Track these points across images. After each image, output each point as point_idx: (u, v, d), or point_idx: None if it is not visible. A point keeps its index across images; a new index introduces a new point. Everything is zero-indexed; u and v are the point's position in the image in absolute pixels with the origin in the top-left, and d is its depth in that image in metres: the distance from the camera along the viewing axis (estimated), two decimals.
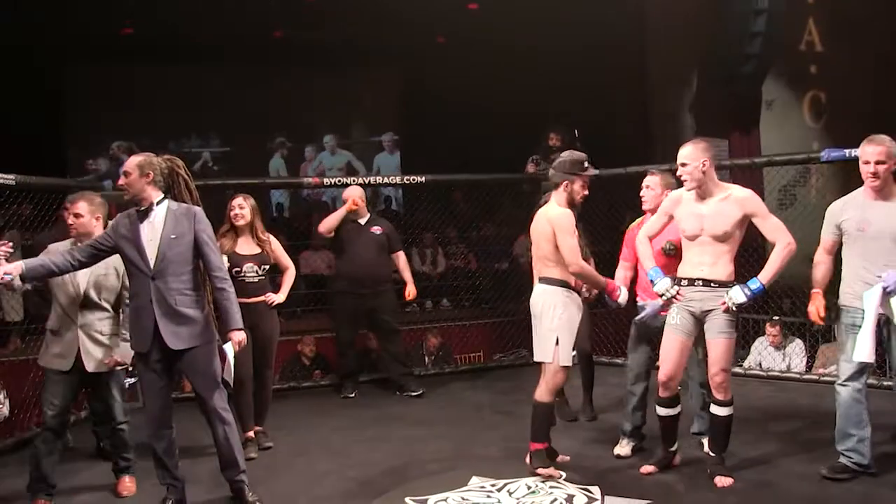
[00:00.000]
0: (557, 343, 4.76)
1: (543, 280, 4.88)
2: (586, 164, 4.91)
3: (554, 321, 4.78)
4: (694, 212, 4.66)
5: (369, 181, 9.38)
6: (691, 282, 4.65)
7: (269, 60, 12.60)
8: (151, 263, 4.34)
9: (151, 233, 4.37)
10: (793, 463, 4.97)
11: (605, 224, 7.41)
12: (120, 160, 11.49)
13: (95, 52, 11.76)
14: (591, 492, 4.56)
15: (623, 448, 5.28)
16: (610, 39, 11.30)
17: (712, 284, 4.59)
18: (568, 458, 5.11)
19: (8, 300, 7.79)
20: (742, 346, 7.68)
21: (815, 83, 11.73)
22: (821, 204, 5.59)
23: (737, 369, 7.05)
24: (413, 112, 13.71)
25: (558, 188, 4.91)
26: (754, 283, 4.52)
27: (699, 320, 4.66)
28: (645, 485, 4.67)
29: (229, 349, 4.54)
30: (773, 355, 7.64)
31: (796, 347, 7.65)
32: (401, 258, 7.34)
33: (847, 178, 5.71)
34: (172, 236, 4.38)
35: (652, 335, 5.20)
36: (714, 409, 4.73)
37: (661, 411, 4.85)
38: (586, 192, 4.95)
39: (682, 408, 4.94)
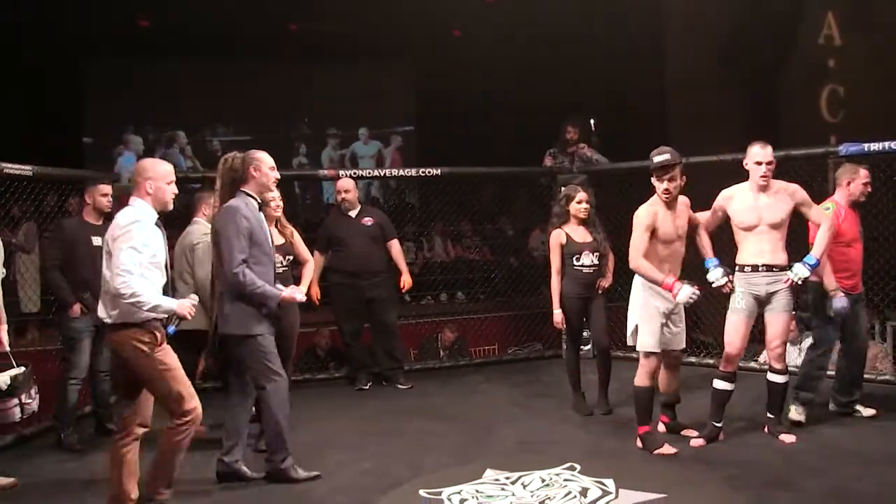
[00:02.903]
0: (636, 330, 5.17)
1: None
2: (653, 159, 5.12)
3: (633, 309, 5.22)
4: (752, 205, 5.13)
5: (385, 174, 9.40)
6: (755, 268, 5.12)
7: (281, 53, 12.63)
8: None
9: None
10: (814, 459, 4.95)
11: (623, 218, 7.36)
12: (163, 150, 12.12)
13: (110, 43, 11.82)
14: (605, 485, 4.55)
15: (867, 411, 5.72)
16: (628, 32, 11.24)
17: (774, 269, 5.09)
18: (695, 433, 5.35)
19: (25, 291, 7.85)
20: (758, 340, 7.64)
21: (834, 77, 11.63)
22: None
23: (752, 364, 7.04)
24: (429, 105, 13.70)
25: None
26: (811, 259, 5.06)
27: (762, 302, 5.14)
28: (660, 478, 4.65)
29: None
30: (789, 350, 7.57)
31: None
32: (394, 247, 7.33)
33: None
34: None
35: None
36: (773, 377, 5.24)
37: (722, 385, 5.25)
38: (663, 185, 5.08)
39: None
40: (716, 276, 5.11)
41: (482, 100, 12.29)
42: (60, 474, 5.16)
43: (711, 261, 5.19)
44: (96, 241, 5.71)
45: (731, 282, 5.12)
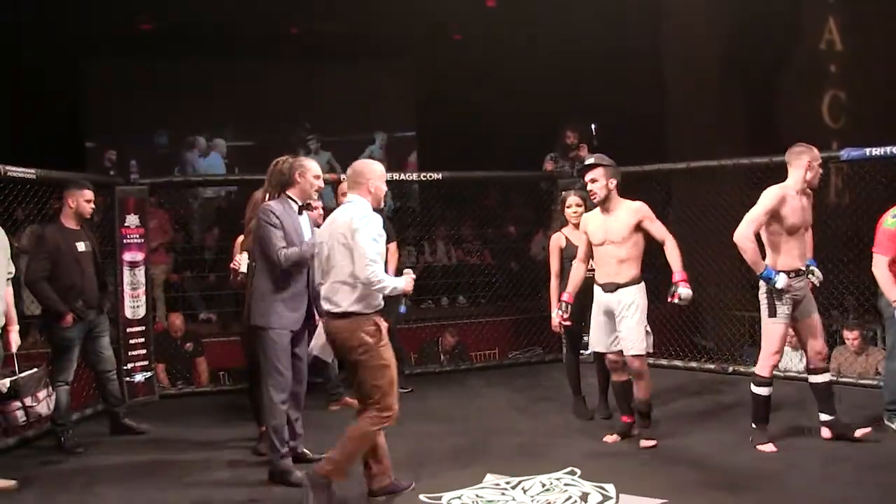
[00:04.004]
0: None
1: None
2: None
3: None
4: (800, 206, 5.09)
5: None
6: (797, 273, 5.10)
7: (281, 54, 12.66)
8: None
9: (306, 228, 4.88)
10: (815, 466, 4.95)
11: None
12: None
13: (110, 43, 11.84)
14: (605, 489, 4.55)
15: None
16: (628, 37, 11.26)
17: (803, 271, 5.14)
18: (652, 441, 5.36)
19: (28, 294, 7.86)
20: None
21: (835, 82, 11.64)
22: (840, 204, 5.59)
23: (754, 369, 7.01)
24: (429, 109, 13.71)
25: None
26: (813, 262, 5.28)
27: (795, 306, 5.12)
28: (660, 483, 4.65)
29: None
30: (791, 356, 7.57)
31: None
32: (390, 249, 7.30)
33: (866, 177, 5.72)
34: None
35: None
36: (820, 378, 5.24)
37: (767, 391, 5.22)
38: (588, 187, 5.44)
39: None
40: (785, 281, 4.98)
41: (482, 102, 12.29)
42: (61, 476, 5.17)
43: (770, 270, 5.00)
44: (80, 246, 5.73)
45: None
